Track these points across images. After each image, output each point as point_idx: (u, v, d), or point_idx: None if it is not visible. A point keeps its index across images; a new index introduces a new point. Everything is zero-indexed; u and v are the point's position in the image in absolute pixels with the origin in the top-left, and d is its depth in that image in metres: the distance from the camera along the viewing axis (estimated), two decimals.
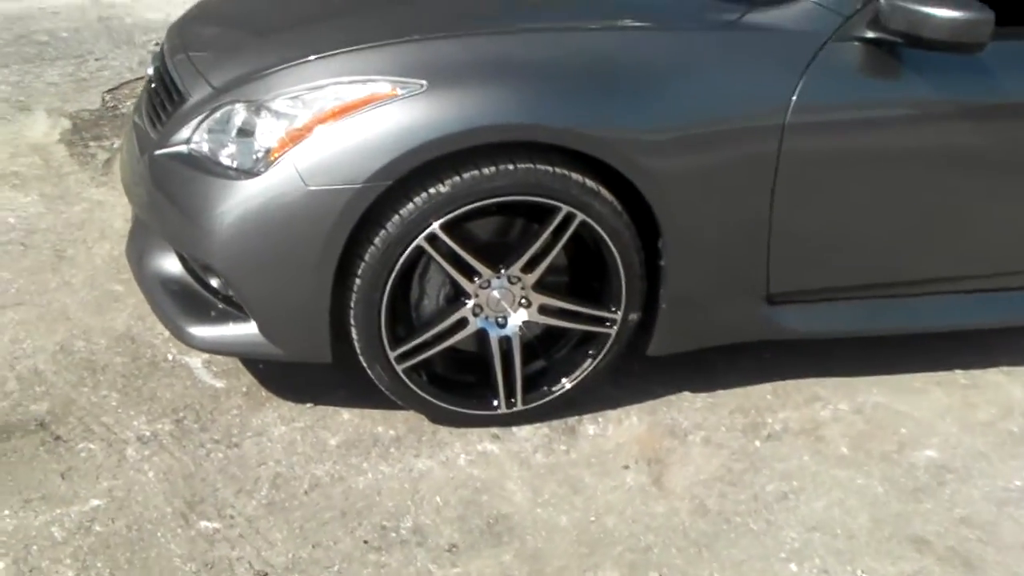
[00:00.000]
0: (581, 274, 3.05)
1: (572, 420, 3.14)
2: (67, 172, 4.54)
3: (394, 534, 2.70)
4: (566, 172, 2.77)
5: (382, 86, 2.70)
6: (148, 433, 3.01)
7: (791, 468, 2.98)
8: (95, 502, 2.76)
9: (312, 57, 2.83)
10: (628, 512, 2.80)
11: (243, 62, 3.00)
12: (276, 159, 2.71)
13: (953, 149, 3.03)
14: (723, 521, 2.79)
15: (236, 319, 2.92)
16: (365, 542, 2.67)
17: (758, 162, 2.86)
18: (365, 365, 2.94)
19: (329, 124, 2.70)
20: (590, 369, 3.06)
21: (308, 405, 3.13)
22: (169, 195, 2.93)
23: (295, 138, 2.72)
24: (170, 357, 3.31)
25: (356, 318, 2.84)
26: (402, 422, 3.09)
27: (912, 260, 3.18)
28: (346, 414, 3.11)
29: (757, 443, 3.08)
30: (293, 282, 2.78)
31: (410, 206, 2.73)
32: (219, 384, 3.21)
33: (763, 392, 3.30)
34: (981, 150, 3.04)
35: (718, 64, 2.87)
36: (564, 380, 3.06)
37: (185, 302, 3.02)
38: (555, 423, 3.13)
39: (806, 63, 2.85)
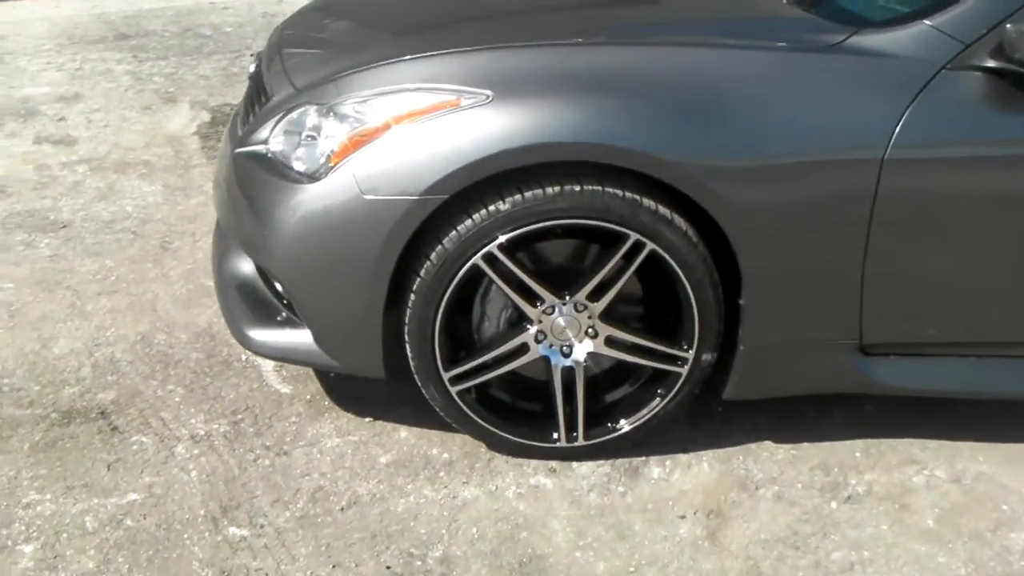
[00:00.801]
0: (657, 307, 2.86)
1: (638, 460, 2.96)
2: (194, 165, 4.60)
3: (420, 562, 2.58)
4: (636, 197, 2.60)
5: (446, 95, 2.59)
6: (202, 432, 2.98)
7: (864, 537, 2.72)
8: (133, 496, 2.74)
9: (384, 62, 2.73)
10: (672, 567, 2.61)
11: (328, 65, 2.94)
12: (337, 165, 2.63)
13: None
14: None
15: (295, 326, 2.85)
16: (388, 568, 2.56)
17: (853, 198, 2.63)
18: (419, 384, 2.82)
19: (390, 131, 2.61)
20: (658, 409, 2.88)
21: (367, 419, 3.05)
22: (241, 195, 2.90)
23: (357, 144, 2.63)
24: (244, 358, 3.28)
25: (410, 335, 2.74)
26: (459, 446, 2.97)
27: None
28: (404, 432, 3.01)
29: (833, 505, 2.83)
30: (346, 293, 2.70)
31: (468, 222, 2.61)
32: (285, 390, 3.16)
33: (853, 449, 3.03)
34: None
35: (814, 89, 2.64)
36: (630, 419, 2.87)
37: (252, 305, 2.97)
38: (619, 462, 2.95)
39: (914, 93, 2.60)
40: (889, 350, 2.89)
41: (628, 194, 2.60)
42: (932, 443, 3.06)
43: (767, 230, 2.64)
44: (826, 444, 3.05)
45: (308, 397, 3.12)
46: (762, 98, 2.63)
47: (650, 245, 2.65)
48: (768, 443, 3.04)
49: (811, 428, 3.09)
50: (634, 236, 2.64)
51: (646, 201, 2.61)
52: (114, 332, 3.40)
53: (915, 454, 3.02)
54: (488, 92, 2.57)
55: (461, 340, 2.84)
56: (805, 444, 3.05)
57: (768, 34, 2.76)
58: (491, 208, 2.59)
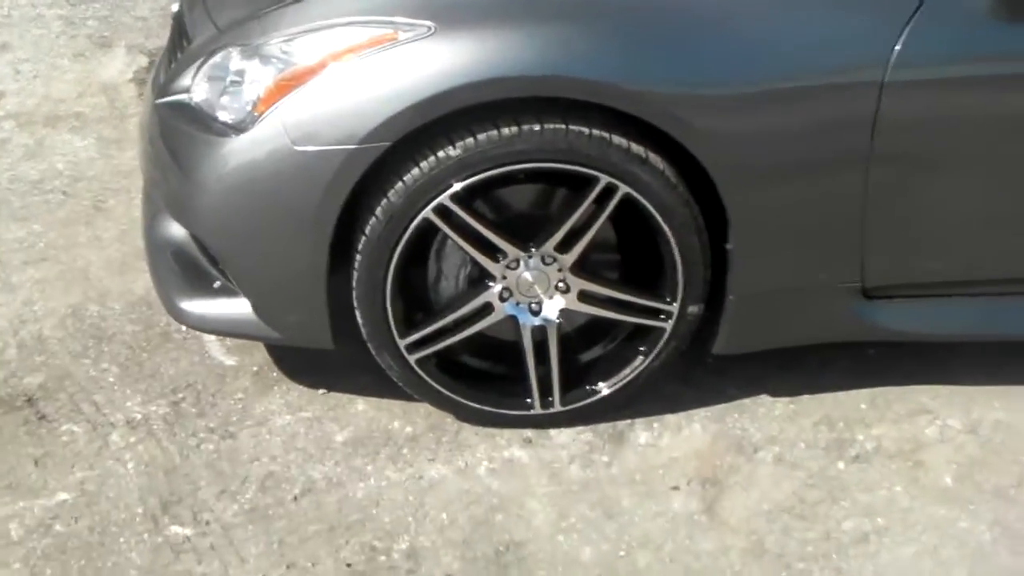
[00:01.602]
0: (635, 257, 2.56)
1: (623, 425, 2.67)
2: (131, 114, 4.24)
3: (384, 557, 2.31)
4: (605, 135, 2.29)
5: (382, 28, 2.25)
6: (139, 416, 2.68)
7: (877, 501, 2.45)
8: (63, 496, 2.46)
9: None
10: (667, 548, 2.34)
11: (253, 1, 2.58)
12: (264, 113, 2.31)
13: None
14: (782, 567, 2.30)
15: (232, 295, 2.55)
16: (348, 565, 2.29)
17: (850, 126, 2.34)
18: (373, 352, 2.52)
19: (321, 73, 2.28)
20: (642, 368, 2.58)
21: (321, 392, 2.75)
22: (164, 150, 2.58)
23: (284, 88, 2.31)
24: (184, 329, 2.96)
25: (359, 299, 2.44)
26: (423, 418, 2.68)
27: None
28: (361, 404, 2.72)
29: (840, 465, 2.56)
30: (284, 257, 2.40)
31: (415, 172, 2.29)
32: (229, 362, 2.86)
33: (858, 400, 2.75)
34: None
35: (803, 5, 2.31)
36: (610, 380, 2.57)
37: (187, 274, 2.67)
38: (601, 427, 2.67)
39: (914, 6, 2.27)
40: (893, 292, 2.60)
41: (595, 132, 2.29)
42: (943, 390, 2.79)
43: (755, 166, 2.35)
44: (828, 396, 2.77)
45: (255, 369, 2.82)
46: (742, 16, 2.31)
47: (623, 188, 2.34)
48: (765, 397, 2.76)
49: (813, 378, 2.81)
50: (605, 179, 2.33)
51: (616, 139, 2.30)
52: (42, 306, 3.08)
53: (925, 403, 2.75)
54: (430, 23, 2.24)
55: (418, 301, 2.53)
56: (805, 397, 2.77)
57: None
58: (440, 154, 2.28)
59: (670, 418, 2.70)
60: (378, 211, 2.32)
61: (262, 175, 2.31)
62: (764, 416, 2.71)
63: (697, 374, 2.78)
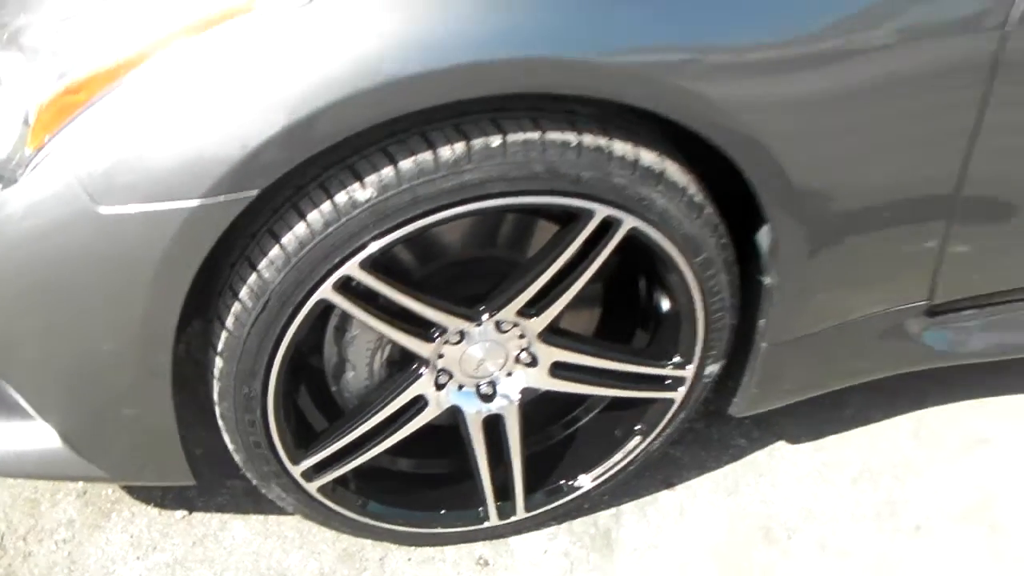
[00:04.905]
0: (622, 302, 1.74)
1: (606, 517, 1.93)
2: None
3: None
4: (602, 143, 1.41)
5: None
6: None
7: None
8: None
9: None
10: None
11: None
12: (40, 150, 1.34)
13: None
14: None
15: (27, 418, 1.59)
16: None
17: (949, 89, 1.51)
18: (254, 483, 1.64)
19: (127, 78, 1.32)
20: (639, 452, 1.80)
21: (181, 515, 1.87)
22: None
23: (69, 107, 1.34)
24: None
25: (225, 420, 1.56)
26: (330, 544, 1.83)
27: None
28: (240, 530, 1.88)
29: (901, 542, 1.89)
30: (101, 368, 1.47)
31: (302, 230, 1.38)
32: (45, 483, 1.92)
33: (898, 436, 2.09)
34: None
35: None
36: (593, 470, 1.80)
37: None
38: (579, 526, 1.91)
39: None
40: (964, 306, 1.86)
41: (587, 140, 1.41)
42: (993, 404, 2.09)
43: (814, 165, 1.53)
44: (860, 434, 2.12)
45: (82, 489, 1.90)
46: None
47: (630, 221, 1.49)
48: (783, 447, 2.06)
49: (833, 412, 2.13)
50: (603, 211, 1.47)
51: (618, 148, 1.43)
52: None
53: (980, 428, 2.08)
54: None
55: (313, 402, 1.66)
56: (832, 440, 2.09)
57: None
58: (341, 200, 1.38)
59: (667, 498, 1.95)
60: (244, 294, 1.43)
61: (48, 254, 1.38)
62: (788, 477, 2.00)
63: (691, 425, 2.01)
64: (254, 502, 1.87)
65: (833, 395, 2.00)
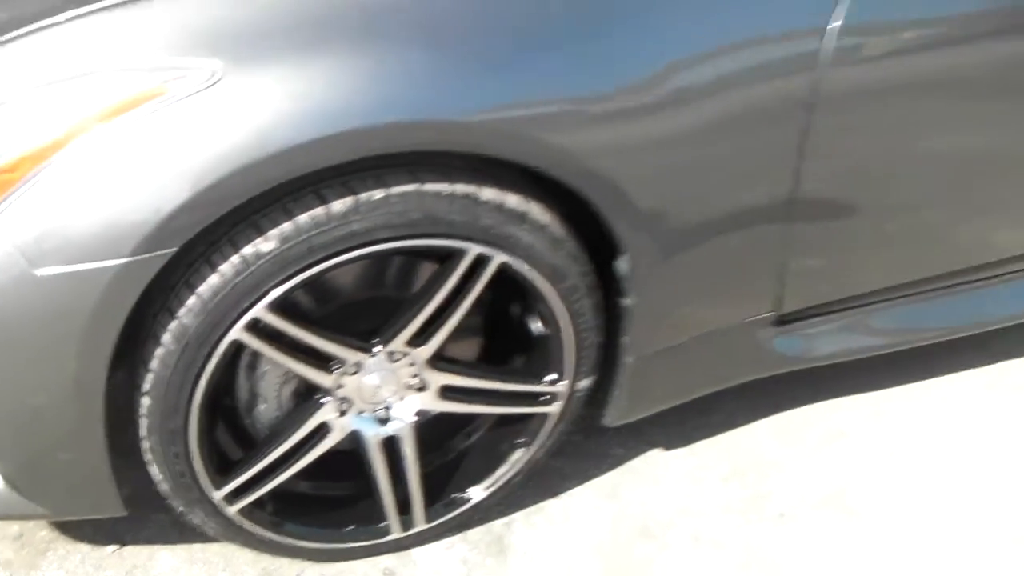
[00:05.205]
0: (502, 328, 1.97)
1: (499, 526, 2.14)
2: None
3: None
4: (472, 190, 1.65)
5: (144, 79, 1.52)
6: None
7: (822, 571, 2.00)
8: None
9: (27, 29, 1.60)
10: None
11: None
12: None
13: None
14: None
15: None
16: None
17: (773, 117, 1.79)
18: (179, 510, 1.83)
19: (55, 157, 1.52)
20: (523, 464, 2.03)
21: (112, 549, 2.04)
22: None
23: (5, 185, 1.54)
24: None
25: (152, 453, 1.75)
26: (250, 564, 2.01)
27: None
28: (168, 558, 2.04)
29: (768, 530, 2.11)
30: (39, 418, 1.65)
31: (214, 280, 1.59)
32: None
33: (761, 437, 2.31)
34: None
35: None
36: (484, 481, 2.02)
37: None
38: (474, 535, 2.12)
39: None
40: (811, 313, 2.13)
41: (459, 188, 1.65)
42: (849, 402, 2.38)
43: (660, 196, 1.79)
44: (728, 438, 2.35)
45: (18, 532, 2.05)
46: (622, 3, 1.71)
47: (499, 257, 1.72)
48: (658, 455, 2.27)
49: (703, 417, 2.37)
50: (475, 249, 1.70)
51: (486, 193, 1.67)
52: None
53: (838, 423, 2.34)
54: (214, 65, 1.52)
55: (230, 433, 1.86)
56: (703, 445, 2.32)
57: None
58: (248, 252, 1.60)
59: (552, 505, 2.17)
60: (166, 338, 1.63)
61: None
62: (664, 480, 2.23)
63: (571, 440, 2.23)
64: (179, 532, 2.04)
65: (701, 402, 2.23)
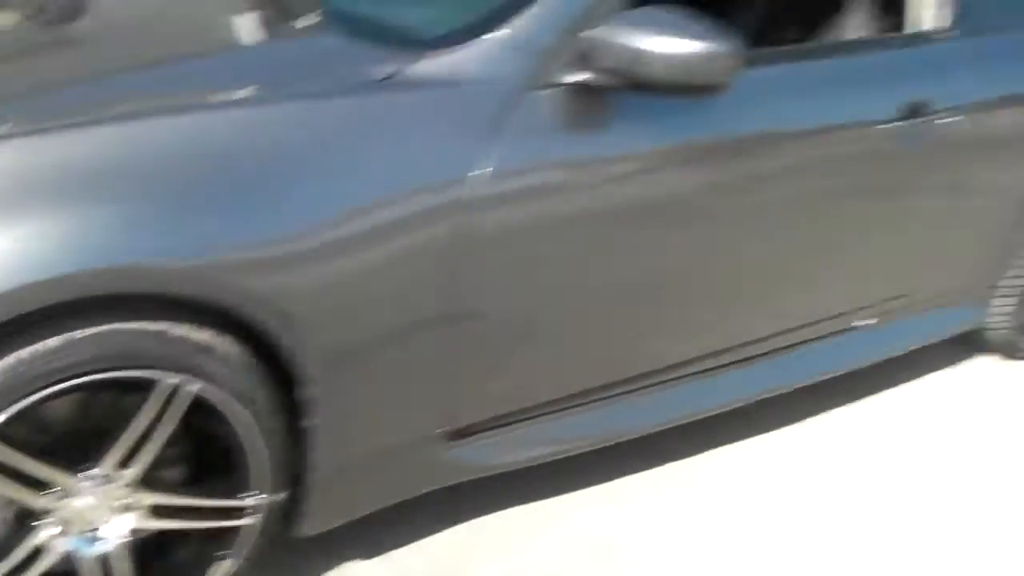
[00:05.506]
0: (201, 449, 2.23)
1: None
2: None
3: None
4: (161, 327, 1.94)
5: None
6: None
7: None
8: None
9: None
10: None
11: None
12: None
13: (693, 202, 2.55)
14: None
15: None
16: None
17: (426, 256, 2.17)
18: None
19: None
20: (232, 572, 2.24)
21: None
22: None
23: None
24: None
25: None
26: None
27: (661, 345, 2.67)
28: None
29: None
30: None
31: None
32: None
33: (452, 538, 2.59)
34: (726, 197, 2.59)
35: (365, 141, 2.13)
36: None
37: None
38: None
39: (490, 124, 2.20)
40: (484, 427, 2.49)
41: (150, 325, 1.94)
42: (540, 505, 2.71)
43: (334, 330, 2.12)
44: (425, 544, 2.62)
45: None
46: (290, 166, 2.07)
47: (191, 386, 2.01)
48: (353, 566, 2.52)
49: (395, 525, 2.62)
50: (168, 379, 1.98)
51: (175, 329, 1.97)
52: None
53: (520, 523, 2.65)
54: None
55: None
56: (402, 553, 2.58)
57: (290, 79, 2.19)
58: None
59: None
60: None
61: None
62: None
63: (270, 555, 2.46)
64: None
65: (395, 510, 2.50)
